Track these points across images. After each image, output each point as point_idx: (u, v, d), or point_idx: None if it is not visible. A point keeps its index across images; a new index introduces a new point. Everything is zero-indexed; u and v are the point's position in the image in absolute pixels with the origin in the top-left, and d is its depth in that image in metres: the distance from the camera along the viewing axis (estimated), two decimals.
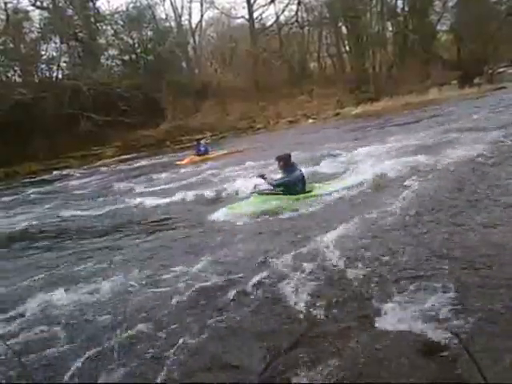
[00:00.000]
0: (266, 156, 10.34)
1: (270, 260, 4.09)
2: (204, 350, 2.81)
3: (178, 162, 13.95)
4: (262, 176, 6.44)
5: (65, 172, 17.62)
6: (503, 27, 26.47)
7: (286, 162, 6.24)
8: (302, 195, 6.16)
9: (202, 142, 15.62)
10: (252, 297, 3.42)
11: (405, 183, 6.18)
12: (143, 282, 4.00)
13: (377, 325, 2.78)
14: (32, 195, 12.29)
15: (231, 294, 3.51)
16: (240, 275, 3.84)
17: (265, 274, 3.77)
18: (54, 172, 17.86)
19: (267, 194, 6.35)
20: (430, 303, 2.90)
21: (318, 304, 3.14)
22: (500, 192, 5.13)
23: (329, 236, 4.46)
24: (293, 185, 6.15)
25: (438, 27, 31.19)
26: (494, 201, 4.86)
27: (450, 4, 30.61)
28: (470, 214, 4.58)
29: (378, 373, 2.37)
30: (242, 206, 6.30)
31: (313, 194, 6.25)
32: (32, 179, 16.74)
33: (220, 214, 6.11)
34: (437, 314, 2.76)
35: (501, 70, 29.31)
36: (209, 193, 7.84)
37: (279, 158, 6.31)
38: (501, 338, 2.47)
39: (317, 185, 6.59)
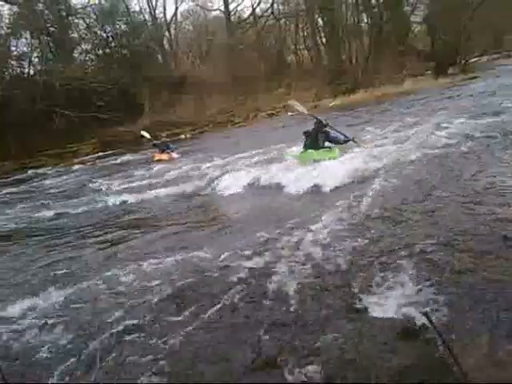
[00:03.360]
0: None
1: (248, 251, 4.13)
2: (192, 343, 2.84)
3: (157, 157, 13.38)
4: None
5: (40, 171, 17.22)
6: (475, 18, 26.97)
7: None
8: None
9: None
10: (233, 291, 3.45)
11: (381, 173, 6.29)
12: (124, 279, 3.96)
13: (359, 312, 2.87)
14: (6, 195, 11.98)
15: (210, 289, 3.54)
16: (219, 269, 3.87)
17: (243, 266, 3.82)
18: (29, 171, 17.43)
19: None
20: (407, 287, 3.01)
21: (300, 293, 3.22)
22: (469, 177, 5.31)
23: (303, 224, 4.58)
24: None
25: (412, 18, 31.70)
26: (465, 187, 5.02)
27: None
28: (444, 200, 4.72)
29: (360, 359, 2.45)
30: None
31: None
32: (6, 179, 16.31)
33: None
34: (416, 300, 2.85)
35: (474, 59, 29.93)
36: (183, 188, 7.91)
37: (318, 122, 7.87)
38: (476, 322, 2.58)
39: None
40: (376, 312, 2.82)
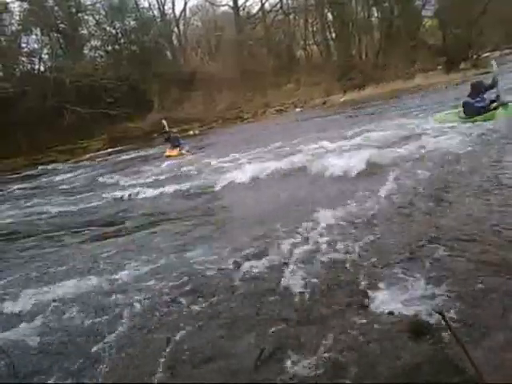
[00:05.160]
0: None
1: (255, 246, 4.12)
2: (198, 338, 2.83)
3: (168, 153, 13.43)
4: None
5: (50, 167, 17.37)
6: (487, 12, 26.54)
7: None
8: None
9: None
10: (240, 285, 3.45)
11: (391, 170, 6.22)
12: (133, 275, 3.97)
13: (369, 309, 2.84)
14: (17, 191, 12.13)
15: (220, 281, 3.54)
16: (227, 264, 3.85)
17: (250, 261, 3.81)
18: (40, 167, 17.59)
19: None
20: (418, 285, 2.97)
21: (307, 288, 3.20)
22: (481, 176, 5.21)
23: (311, 219, 4.55)
24: None
25: (423, 13, 31.25)
26: (476, 185, 4.93)
27: None
28: (456, 197, 4.66)
29: (370, 357, 2.42)
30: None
31: None
32: (17, 175, 16.50)
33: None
34: (424, 295, 2.82)
35: (486, 54, 29.47)
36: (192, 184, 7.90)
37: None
38: (492, 321, 2.53)
39: None
40: (386, 309, 2.78)
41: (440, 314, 1.97)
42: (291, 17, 32.71)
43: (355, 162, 6.63)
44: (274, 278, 3.45)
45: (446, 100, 13.54)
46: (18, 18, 24.89)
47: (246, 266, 3.75)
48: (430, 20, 32.28)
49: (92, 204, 8.02)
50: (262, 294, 3.27)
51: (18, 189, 12.48)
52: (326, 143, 8.96)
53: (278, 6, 31.88)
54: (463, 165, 5.81)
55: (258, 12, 32.54)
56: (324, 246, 3.89)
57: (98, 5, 26.96)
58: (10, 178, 15.79)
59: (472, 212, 4.13)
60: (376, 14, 31.19)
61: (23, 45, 25.09)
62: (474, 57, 28.03)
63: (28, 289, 4.08)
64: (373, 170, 6.29)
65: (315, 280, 3.32)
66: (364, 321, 2.70)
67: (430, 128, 8.54)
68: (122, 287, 3.78)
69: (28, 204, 9.42)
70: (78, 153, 20.66)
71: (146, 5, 29.60)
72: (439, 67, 27.47)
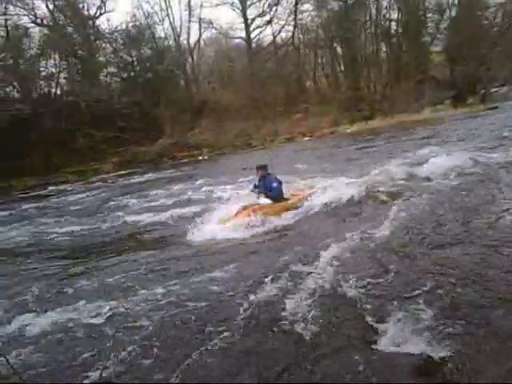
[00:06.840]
0: None
1: (262, 278, 4.12)
2: (196, 372, 2.83)
3: None
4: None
5: (61, 187, 17.60)
6: (495, 48, 27.10)
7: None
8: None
9: None
10: (245, 318, 3.43)
11: (393, 201, 6.31)
12: (133, 303, 3.98)
13: (372, 343, 2.84)
14: (28, 210, 12.26)
15: (223, 315, 3.53)
16: (233, 295, 3.86)
17: (257, 294, 3.81)
18: (51, 187, 17.84)
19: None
20: (424, 321, 2.97)
21: (312, 324, 3.18)
22: (486, 209, 5.25)
23: (319, 252, 4.57)
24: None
25: (432, 48, 31.97)
26: (480, 218, 4.97)
27: (443, 26, 31.48)
28: (460, 230, 4.69)
29: None
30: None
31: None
32: (28, 194, 16.72)
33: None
34: (431, 333, 2.81)
35: (494, 89, 29.84)
36: (201, 209, 7.97)
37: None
38: (492, 355, 2.54)
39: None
40: (389, 346, 2.77)
41: (448, 352, 1.94)
42: (301, 50, 33.66)
43: (356, 191, 6.80)
44: (280, 311, 3.44)
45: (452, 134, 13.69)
46: (37, 42, 25.82)
47: (253, 296, 3.75)
48: (439, 54, 32.99)
49: (99, 226, 8.09)
50: (266, 325, 3.26)
51: (29, 208, 12.62)
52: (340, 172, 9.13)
53: (290, 41, 32.92)
54: (466, 201, 5.86)
55: (269, 45, 33.55)
56: (325, 278, 3.90)
57: (115, 34, 27.94)
58: (21, 197, 16.03)
59: (479, 247, 4.14)
60: (384, 49, 32.00)
61: (41, 68, 25.91)
62: (482, 92, 28.40)
63: (28, 309, 4.13)
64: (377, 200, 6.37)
65: (319, 314, 3.30)
66: (368, 358, 2.69)
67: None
68: (126, 312, 3.78)
69: (36, 224, 9.50)
70: (90, 174, 20.95)
71: (162, 35, 30.51)
72: (447, 101, 27.85)
